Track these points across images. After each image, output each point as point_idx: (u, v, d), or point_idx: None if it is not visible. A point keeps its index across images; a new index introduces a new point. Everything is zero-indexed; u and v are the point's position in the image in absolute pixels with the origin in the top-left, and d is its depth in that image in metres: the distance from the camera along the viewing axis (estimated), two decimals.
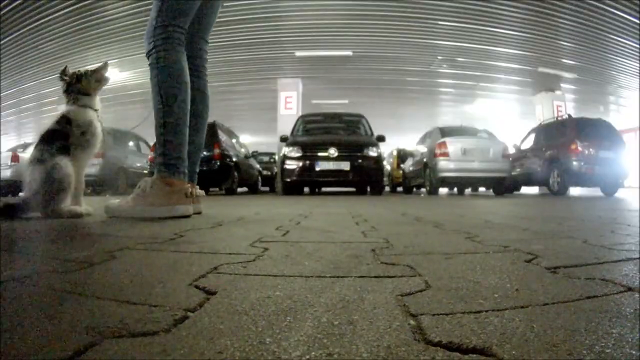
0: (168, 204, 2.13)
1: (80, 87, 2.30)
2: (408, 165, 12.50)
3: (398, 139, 18.10)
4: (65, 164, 2.11)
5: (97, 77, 2.36)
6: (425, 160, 10.25)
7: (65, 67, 2.33)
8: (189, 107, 2.25)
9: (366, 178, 8.48)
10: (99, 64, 2.44)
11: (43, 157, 2.11)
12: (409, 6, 9.51)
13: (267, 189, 15.03)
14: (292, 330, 0.48)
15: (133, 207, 2.13)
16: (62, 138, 2.17)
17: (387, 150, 16.81)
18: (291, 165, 8.39)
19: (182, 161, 2.22)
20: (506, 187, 9.98)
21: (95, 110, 2.34)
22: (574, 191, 11.78)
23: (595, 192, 10.06)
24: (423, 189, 11.08)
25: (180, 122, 2.20)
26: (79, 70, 2.36)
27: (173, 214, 2.11)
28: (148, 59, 2.26)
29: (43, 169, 2.07)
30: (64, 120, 2.22)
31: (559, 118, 11.29)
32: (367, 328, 0.49)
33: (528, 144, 10.80)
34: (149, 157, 9.85)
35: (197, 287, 0.69)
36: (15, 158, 10.67)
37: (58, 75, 2.33)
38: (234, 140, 10.89)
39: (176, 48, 2.23)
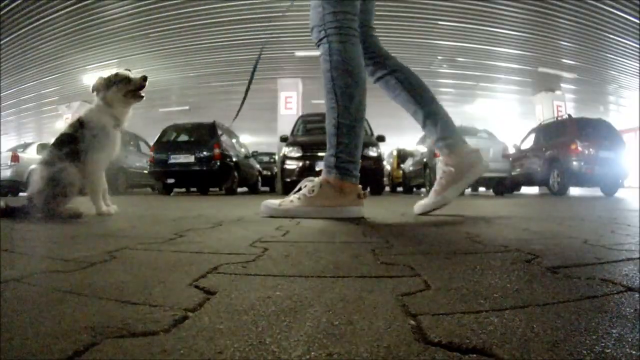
0: (338, 205, 2.04)
1: (105, 94, 2.30)
2: (408, 165, 12.50)
3: (398, 139, 18.09)
4: (71, 168, 2.14)
5: (125, 90, 2.31)
6: (425, 160, 10.25)
7: (118, 73, 2.35)
8: (365, 107, 2.09)
9: (366, 178, 8.48)
10: (137, 76, 2.34)
11: (52, 159, 2.15)
12: (409, 6, 9.52)
13: (267, 189, 15.03)
14: (292, 330, 0.48)
15: (300, 207, 2.05)
16: (73, 142, 2.20)
17: (387, 150, 16.80)
18: (291, 165, 8.39)
19: (355, 164, 2.10)
20: (506, 187, 9.97)
21: (117, 118, 2.32)
22: (574, 191, 11.78)
23: (595, 192, 10.06)
24: (423, 189, 11.08)
25: (357, 124, 2.05)
26: (115, 75, 2.32)
27: (345, 215, 2.03)
28: (318, 47, 2.07)
29: (49, 170, 2.11)
30: (78, 124, 2.26)
31: (559, 118, 11.30)
32: (367, 328, 0.49)
33: (528, 144, 10.80)
34: (149, 157, 9.85)
35: (197, 287, 0.69)
36: (15, 158, 10.67)
37: (106, 77, 2.34)
38: (234, 140, 10.90)
39: (351, 39, 2.02)
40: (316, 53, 2.16)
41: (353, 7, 2.04)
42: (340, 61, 1.99)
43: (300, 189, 2.13)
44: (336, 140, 2.06)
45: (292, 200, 2.11)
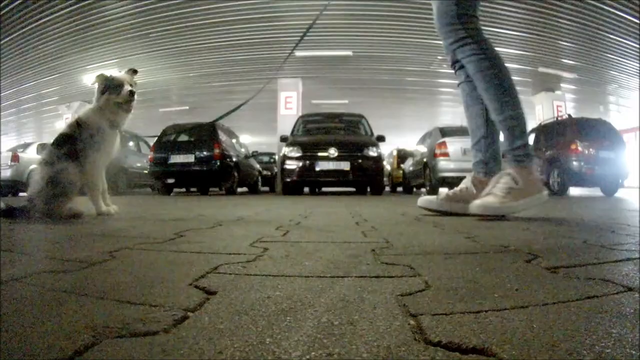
0: (539, 190, 2.10)
1: (98, 97, 2.32)
2: (408, 165, 12.48)
3: (398, 139, 18.08)
4: (70, 168, 2.15)
5: (114, 101, 2.33)
6: (425, 160, 10.25)
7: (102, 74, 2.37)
8: None
9: (366, 178, 8.47)
10: (124, 91, 2.34)
11: (51, 159, 2.17)
12: (409, 6, 9.51)
13: (267, 189, 15.03)
14: (292, 330, 0.48)
15: (514, 202, 2.03)
16: (71, 142, 2.22)
17: (387, 150, 16.79)
18: (291, 165, 8.38)
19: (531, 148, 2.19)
20: None
21: (111, 120, 2.33)
22: (574, 191, 11.78)
23: (595, 192, 10.06)
24: (423, 189, 11.08)
25: (523, 111, 2.16)
26: (111, 79, 2.34)
27: (543, 201, 2.10)
28: (457, 49, 2.17)
29: (48, 171, 2.12)
30: (76, 124, 2.28)
31: (559, 118, 11.29)
32: (367, 328, 0.49)
33: None
34: (149, 157, 9.84)
35: (197, 287, 0.69)
36: (15, 158, 10.67)
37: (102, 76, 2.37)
38: (234, 140, 10.88)
39: (487, 40, 2.16)
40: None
41: (477, 13, 2.19)
42: (498, 57, 2.13)
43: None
44: (520, 130, 2.11)
45: (501, 198, 2.04)
